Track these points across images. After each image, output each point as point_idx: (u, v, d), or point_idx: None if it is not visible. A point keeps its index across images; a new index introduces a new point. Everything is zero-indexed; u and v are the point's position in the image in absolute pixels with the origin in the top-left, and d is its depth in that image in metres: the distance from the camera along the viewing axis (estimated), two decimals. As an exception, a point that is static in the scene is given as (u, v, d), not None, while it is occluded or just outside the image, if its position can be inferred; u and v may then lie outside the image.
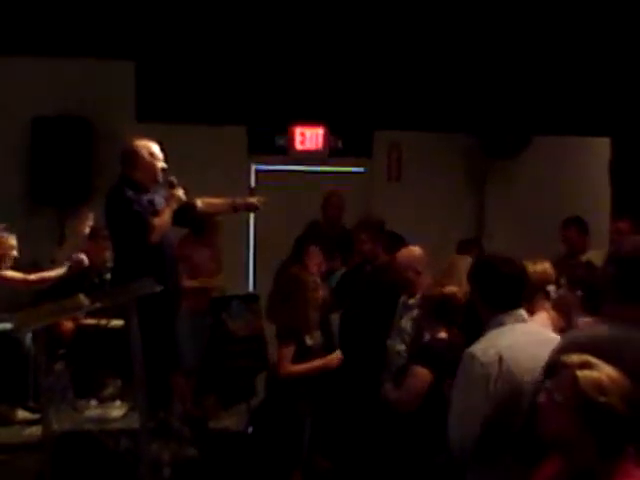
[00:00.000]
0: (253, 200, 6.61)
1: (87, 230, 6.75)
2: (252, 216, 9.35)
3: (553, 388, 2.59)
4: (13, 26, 8.45)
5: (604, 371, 2.55)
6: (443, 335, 5.04)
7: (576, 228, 7.59)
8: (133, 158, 5.96)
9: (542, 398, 2.62)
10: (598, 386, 2.50)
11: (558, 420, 2.55)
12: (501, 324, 3.71)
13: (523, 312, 3.80)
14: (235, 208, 6.50)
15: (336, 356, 5.87)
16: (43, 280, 6.63)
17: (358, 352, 6.15)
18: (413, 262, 5.97)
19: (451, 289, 5.13)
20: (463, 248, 7.55)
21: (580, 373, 2.53)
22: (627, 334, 3.01)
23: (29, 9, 8.40)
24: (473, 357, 3.59)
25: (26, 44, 8.56)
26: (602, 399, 2.49)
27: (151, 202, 5.92)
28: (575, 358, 2.60)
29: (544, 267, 4.88)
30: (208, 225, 7.32)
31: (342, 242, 7.59)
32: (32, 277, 6.62)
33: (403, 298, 6.03)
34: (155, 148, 6.03)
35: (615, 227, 7.40)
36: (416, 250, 6.09)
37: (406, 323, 5.80)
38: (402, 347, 5.72)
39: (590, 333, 3.22)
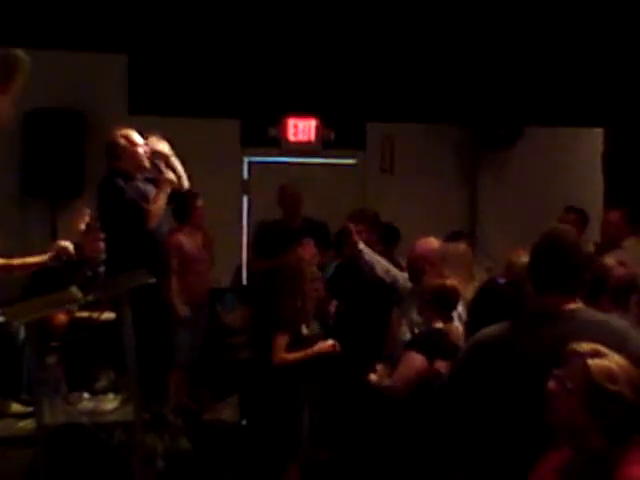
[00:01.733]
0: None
1: (83, 226, 6.73)
2: (245, 208, 9.36)
3: (564, 376, 2.61)
4: (4, 19, 8.42)
5: (614, 360, 2.58)
6: (440, 325, 5.05)
7: (573, 215, 7.57)
8: (113, 149, 6.01)
9: (552, 386, 2.64)
10: (609, 374, 2.54)
11: (568, 408, 2.58)
12: None
13: None
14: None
15: (329, 343, 5.89)
16: (26, 266, 6.51)
17: (354, 343, 6.16)
18: (429, 253, 5.94)
19: (452, 282, 5.15)
20: (452, 239, 7.53)
21: (591, 361, 2.57)
22: (506, 334, 3.16)
23: (21, 2, 8.38)
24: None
25: (17, 37, 8.52)
26: (613, 387, 2.52)
27: (143, 193, 5.93)
28: (586, 347, 2.63)
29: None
30: (192, 210, 7.26)
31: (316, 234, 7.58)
32: (15, 262, 6.49)
33: (415, 289, 6.01)
34: (134, 135, 6.05)
35: (606, 218, 7.40)
36: (433, 242, 6.01)
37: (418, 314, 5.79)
38: (409, 337, 5.69)
39: (491, 332, 3.29)
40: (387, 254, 6.95)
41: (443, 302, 5.07)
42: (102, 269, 7.02)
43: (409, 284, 6.13)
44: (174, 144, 6.40)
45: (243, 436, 6.21)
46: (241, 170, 9.55)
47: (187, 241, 7.18)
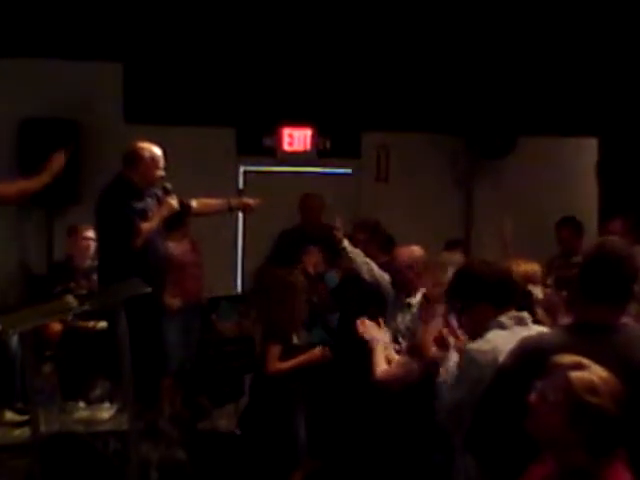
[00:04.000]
0: (248, 200, 6.68)
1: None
2: (240, 217, 9.36)
3: (546, 388, 2.60)
4: (0, 28, 8.43)
5: (596, 372, 2.57)
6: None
7: (570, 228, 7.60)
8: (134, 159, 6.01)
9: (534, 398, 2.63)
10: (590, 387, 2.52)
11: (550, 420, 2.56)
12: (501, 326, 3.70)
13: (525, 314, 3.81)
14: (230, 208, 6.58)
15: (319, 350, 5.92)
16: (26, 191, 6.19)
17: (356, 352, 6.16)
18: (413, 262, 5.96)
19: None
20: (450, 248, 7.56)
21: (573, 374, 2.55)
22: (568, 341, 3.07)
23: (16, 11, 8.38)
24: (471, 357, 3.61)
25: (13, 46, 8.54)
26: (594, 400, 2.50)
27: (144, 210, 5.95)
28: (568, 359, 2.62)
29: (529, 268, 4.91)
30: (182, 221, 7.26)
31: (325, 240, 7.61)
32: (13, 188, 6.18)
33: (400, 297, 6.03)
34: (158, 153, 6.07)
35: (607, 228, 7.41)
36: (417, 250, 6.06)
37: (402, 322, 5.80)
38: (395, 346, 5.70)
39: (538, 339, 3.27)
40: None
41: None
42: (94, 277, 7.06)
43: (392, 290, 6.16)
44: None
45: (239, 445, 6.21)
46: (236, 179, 9.55)
47: (175, 247, 7.17)
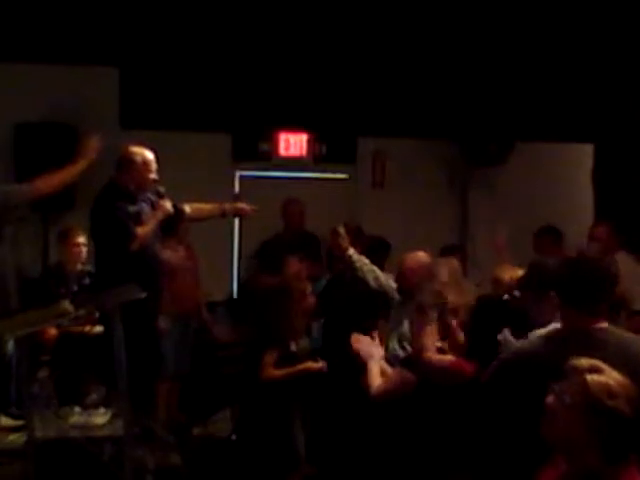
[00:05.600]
0: (242, 205, 6.67)
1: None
2: (237, 222, 9.36)
3: (562, 391, 2.62)
4: (-4, 33, 8.43)
5: (612, 375, 2.59)
6: (438, 344, 5.03)
7: (549, 238, 7.59)
8: (125, 163, 6.00)
9: (550, 400, 2.65)
10: (607, 390, 2.54)
11: (566, 422, 2.58)
12: None
13: None
14: (224, 213, 6.56)
15: (318, 364, 5.91)
16: (65, 181, 6.23)
17: (341, 358, 6.16)
18: (419, 269, 5.95)
19: (452, 298, 5.13)
20: (446, 254, 7.56)
21: (590, 377, 2.58)
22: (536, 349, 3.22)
23: (12, 15, 8.38)
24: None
25: (9, 50, 8.54)
26: (610, 402, 2.52)
27: (138, 214, 5.94)
28: (584, 362, 2.64)
29: (514, 274, 4.95)
30: (178, 225, 7.26)
31: (308, 247, 7.62)
32: None
33: (404, 302, 6.01)
34: (150, 157, 6.05)
35: (591, 233, 7.41)
36: (423, 256, 6.04)
37: (408, 329, 5.78)
38: (401, 352, 5.69)
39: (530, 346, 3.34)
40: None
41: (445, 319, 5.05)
42: (86, 281, 7.05)
43: (397, 296, 6.15)
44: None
45: (234, 451, 6.21)
46: (232, 184, 9.55)
47: (173, 256, 7.16)
